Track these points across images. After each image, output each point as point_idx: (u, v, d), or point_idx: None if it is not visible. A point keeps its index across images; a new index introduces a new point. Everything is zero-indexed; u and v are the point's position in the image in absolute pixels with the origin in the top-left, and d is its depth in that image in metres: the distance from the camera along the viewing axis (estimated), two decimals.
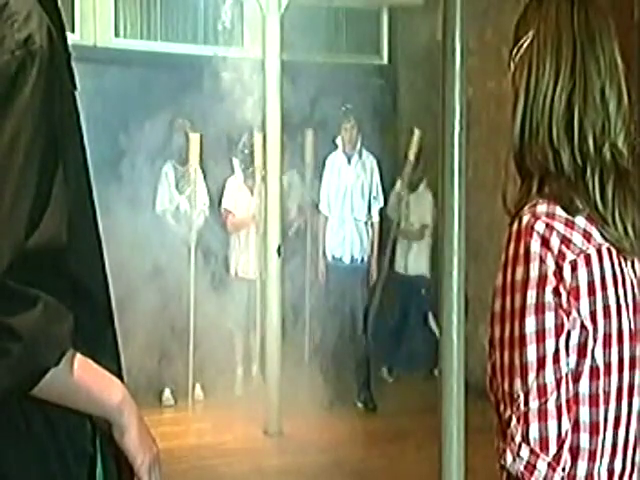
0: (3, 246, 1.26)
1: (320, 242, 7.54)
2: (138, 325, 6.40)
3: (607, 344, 1.49)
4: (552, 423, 1.45)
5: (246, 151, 7.44)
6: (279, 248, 6.55)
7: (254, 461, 5.94)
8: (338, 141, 7.42)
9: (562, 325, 1.46)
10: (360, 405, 7.16)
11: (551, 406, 1.45)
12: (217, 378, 7.19)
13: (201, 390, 7.33)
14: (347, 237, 7.37)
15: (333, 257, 7.39)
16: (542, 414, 1.45)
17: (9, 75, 1.30)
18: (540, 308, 1.46)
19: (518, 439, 1.45)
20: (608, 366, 1.49)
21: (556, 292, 1.46)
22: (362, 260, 7.38)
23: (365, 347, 7.34)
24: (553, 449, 1.45)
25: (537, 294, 1.46)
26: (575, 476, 1.50)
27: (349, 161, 7.42)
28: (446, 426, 3.89)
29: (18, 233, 1.27)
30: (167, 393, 7.20)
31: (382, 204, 7.53)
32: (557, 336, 1.46)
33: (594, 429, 1.50)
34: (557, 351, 1.46)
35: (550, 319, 1.46)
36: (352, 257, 7.37)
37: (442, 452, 3.91)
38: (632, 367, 1.52)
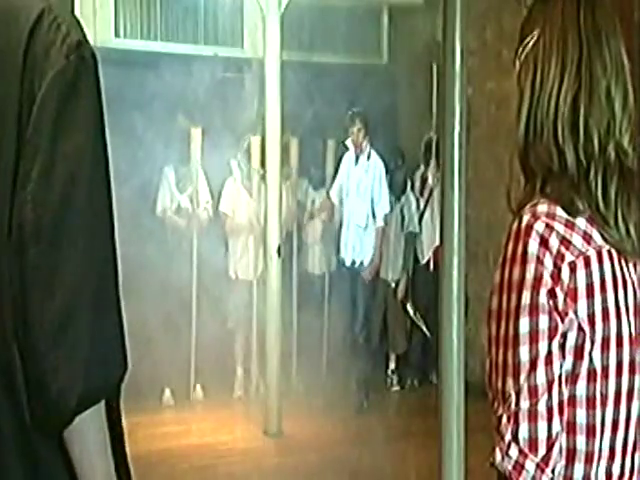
0: (100, 246, 1.34)
1: (323, 245, 7.57)
2: (138, 325, 6.40)
3: (605, 347, 1.48)
4: (542, 424, 1.45)
5: (246, 152, 7.44)
6: (279, 248, 6.55)
7: (254, 461, 5.94)
8: (348, 142, 7.45)
9: (556, 328, 1.46)
10: (360, 405, 7.16)
11: (541, 407, 1.45)
12: (217, 378, 7.19)
13: (201, 390, 7.33)
14: (350, 239, 7.38)
15: (337, 260, 7.44)
16: (532, 415, 1.45)
17: (68, 80, 1.32)
18: (534, 310, 1.45)
19: (508, 438, 1.45)
20: (606, 369, 1.49)
21: (552, 294, 1.45)
22: (362, 263, 7.37)
23: (364, 347, 7.34)
24: (542, 450, 1.45)
25: (532, 295, 1.45)
26: (572, 478, 1.49)
27: (356, 163, 7.45)
28: (446, 426, 3.89)
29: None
30: (167, 393, 7.20)
31: (387, 209, 7.48)
32: (550, 338, 1.45)
33: (591, 431, 1.49)
34: (550, 353, 1.45)
35: (544, 321, 1.45)
36: (353, 260, 7.37)
37: (442, 452, 3.90)
38: (632, 371, 1.52)
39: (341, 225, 7.49)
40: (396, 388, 7.81)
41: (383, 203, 7.43)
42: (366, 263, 7.35)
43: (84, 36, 1.37)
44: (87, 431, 1.34)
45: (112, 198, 1.37)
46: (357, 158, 7.44)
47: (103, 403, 1.35)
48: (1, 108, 1.33)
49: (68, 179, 1.30)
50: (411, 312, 7.45)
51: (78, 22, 1.37)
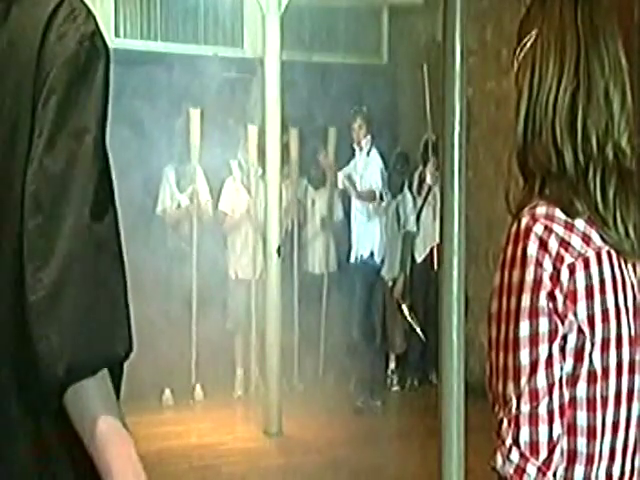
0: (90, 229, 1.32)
1: (323, 244, 7.58)
2: (138, 324, 6.39)
3: (605, 348, 1.48)
4: (543, 428, 1.44)
5: (245, 151, 7.44)
6: (279, 248, 6.55)
7: (254, 461, 5.95)
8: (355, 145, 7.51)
9: (556, 330, 1.45)
10: (360, 405, 7.16)
11: (542, 411, 1.44)
12: (217, 378, 7.19)
13: (201, 390, 7.33)
14: (353, 235, 7.41)
15: (339, 257, 7.49)
16: (533, 418, 1.44)
17: (79, 64, 1.34)
18: (534, 313, 1.45)
19: (509, 442, 1.45)
20: (606, 370, 1.48)
21: (551, 296, 1.45)
22: (361, 258, 7.38)
23: (364, 347, 7.34)
24: (543, 454, 1.44)
25: (531, 298, 1.45)
26: None
27: (358, 160, 7.50)
28: (446, 426, 3.89)
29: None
30: (167, 393, 7.20)
31: (380, 184, 7.43)
32: (550, 341, 1.45)
33: (591, 433, 1.49)
34: (550, 356, 1.45)
35: (544, 324, 1.45)
36: (356, 256, 7.38)
37: (442, 452, 3.90)
38: (631, 372, 1.51)
39: (346, 224, 7.54)
40: (396, 388, 7.81)
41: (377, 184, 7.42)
42: (366, 256, 7.36)
43: (99, 29, 1.39)
44: (90, 395, 1.32)
45: (113, 186, 1.38)
46: (358, 155, 7.49)
47: (107, 378, 1.34)
48: (16, 95, 1.35)
49: (69, 157, 1.32)
50: (406, 313, 7.45)
51: (94, 17, 1.39)
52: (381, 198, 7.40)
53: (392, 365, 7.90)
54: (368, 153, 7.46)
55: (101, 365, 1.33)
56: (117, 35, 7.84)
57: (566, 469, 1.49)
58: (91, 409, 1.33)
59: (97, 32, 1.38)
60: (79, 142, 1.33)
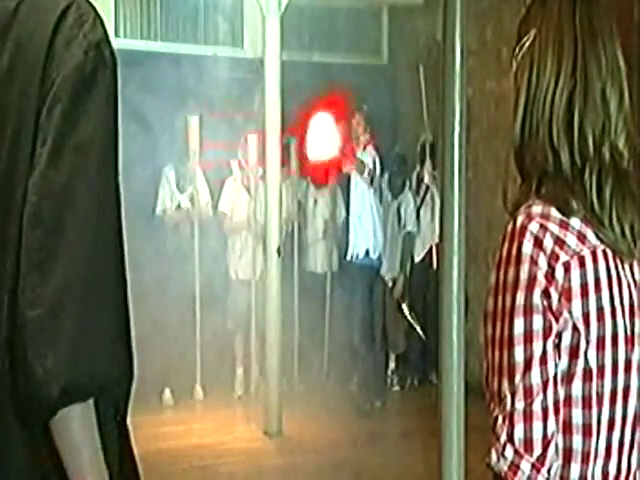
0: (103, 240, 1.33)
1: (325, 243, 7.60)
2: (137, 325, 6.38)
3: (600, 346, 1.48)
4: (537, 424, 1.45)
5: (246, 152, 7.44)
6: (279, 249, 6.55)
7: (254, 461, 5.94)
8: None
9: (550, 328, 1.46)
10: (360, 405, 7.16)
11: (537, 407, 1.45)
12: (217, 378, 7.19)
13: (201, 390, 7.33)
14: (351, 234, 7.40)
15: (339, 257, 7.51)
16: (527, 415, 1.45)
17: (85, 74, 1.33)
18: (528, 310, 1.46)
19: (503, 439, 1.46)
20: (601, 368, 1.49)
21: (546, 294, 1.45)
22: (357, 257, 7.38)
23: (365, 347, 7.33)
24: (538, 450, 1.45)
25: (526, 296, 1.46)
26: (568, 478, 1.49)
27: None
28: (446, 426, 3.89)
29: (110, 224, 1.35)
30: (167, 393, 7.20)
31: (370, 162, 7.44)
32: (545, 338, 1.45)
33: (587, 431, 1.49)
34: (544, 353, 1.45)
35: (538, 321, 1.45)
36: (355, 255, 7.38)
37: (442, 452, 3.91)
38: (627, 370, 1.52)
39: (345, 222, 7.55)
40: (396, 388, 7.81)
41: (374, 198, 7.40)
42: (361, 256, 7.35)
43: (106, 36, 1.38)
44: (75, 422, 1.31)
45: (120, 196, 1.37)
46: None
47: (92, 405, 1.32)
48: (23, 96, 1.34)
49: (74, 169, 1.30)
50: (406, 312, 7.45)
51: (102, 21, 1.38)
52: (372, 182, 7.36)
53: (392, 365, 7.89)
54: (364, 148, 7.45)
55: (95, 392, 1.31)
56: (117, 35, 7.84)
57: (562, 467, 1.49)
58: (74, 438, 1.31)
59: (104, 39, 1.37)
60: (83, 155, 1.31)
